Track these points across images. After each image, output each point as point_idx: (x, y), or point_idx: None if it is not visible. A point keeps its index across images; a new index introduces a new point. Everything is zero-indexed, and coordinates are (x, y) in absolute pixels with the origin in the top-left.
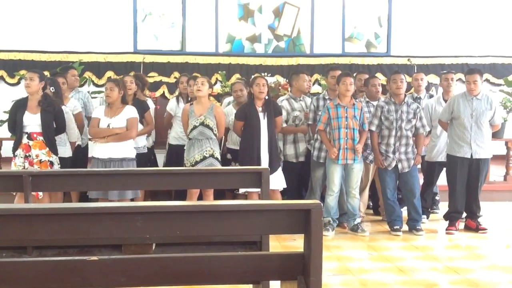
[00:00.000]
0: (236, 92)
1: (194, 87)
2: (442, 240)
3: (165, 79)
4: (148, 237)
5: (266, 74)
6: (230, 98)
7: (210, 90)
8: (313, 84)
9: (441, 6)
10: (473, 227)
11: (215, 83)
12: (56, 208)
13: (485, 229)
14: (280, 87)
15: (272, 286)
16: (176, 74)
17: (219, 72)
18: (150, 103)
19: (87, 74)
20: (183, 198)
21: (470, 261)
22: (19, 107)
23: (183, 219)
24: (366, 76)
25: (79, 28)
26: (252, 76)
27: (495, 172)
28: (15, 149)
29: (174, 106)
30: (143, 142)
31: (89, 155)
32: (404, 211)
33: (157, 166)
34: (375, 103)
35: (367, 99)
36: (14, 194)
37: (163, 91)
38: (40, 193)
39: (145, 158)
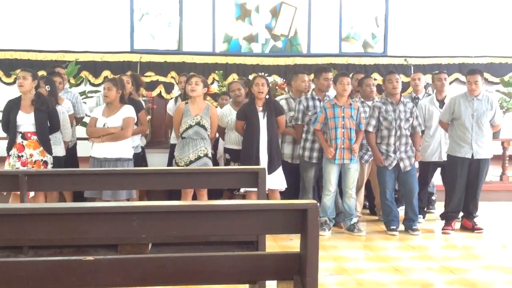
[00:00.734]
0: (234, 91)
1: (188, 87)
2: (438, 240)
3: (162, 78)
4: (144, 237)
5: (263, 73)
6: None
7: (205, 89)
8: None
9: (437, 6)
10: (469, 227)
11: (212, 82)
12: (52, 208)
13: (481, 229)
14: (277, 87)
15: (269, 286)
16: (173, 73)
17: (216, 71)
18: (143, 103)
19: (84, 74)
20: (178, 198)
21: (466, 261)
22: (13, 106)
23: (179, 219)
24: (362, 76)
25: (75, 27)
26: (252, 76)
27: (491, 172)
28: (9, 148)
29: (173, 106)
30: (137, 142)
31: (78, 154)
32: (400, 211)
33: (146, 165)
34: (369, 103)
35: (362, 99)
36: (5, 194)
37: (160, 91)
38: (32, 193)
39: (140, 158)
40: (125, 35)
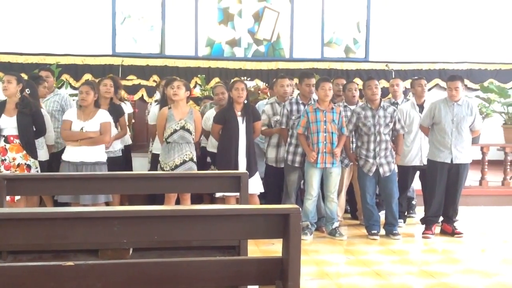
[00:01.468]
0: (218, 95)
1: (170, 91)
2: (418, 244)
3: (143, 82)
4: (125, 242)
5: (245, 78)
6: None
7: (187, 93)
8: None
9: (418, 13)
10: (449, 231)
11: (195, 86)
12: (31, 212)
13: (461, 234)
14: (259, 91)
15: None
16: (155, 77)
17: (199, 75)
18: (129, 106)
19: (65, 77)
20: (161, 203)
21: (446, 265)
22: None
23: (161, 223)
24: (343, 81)
25: (56, 30)
26: (231, 80)
27: (471, 177)
28: None
29: (153, 114)
30: (119, 146)
31: None
32: (381, 215)
33: (130, 169)
34: (353, 107)
35: (345, 104)
36: None
37: (142, 94)
38: (17, 196)
39: (121, 161)
40: (106, 38)
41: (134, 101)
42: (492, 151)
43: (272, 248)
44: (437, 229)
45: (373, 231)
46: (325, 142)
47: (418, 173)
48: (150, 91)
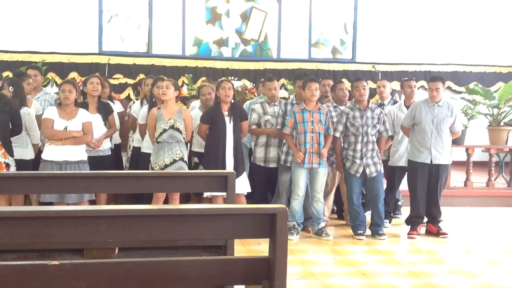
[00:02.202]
0: (205, 95)
1: (159, 90)
2: (404, 245)
3: (130, 81)
4: (111, 241)
5: (233, 78)
6: (197, 102)
7: (176, 92)
8: (280, 88)
9: (405, 15)
10: (434, 231)
11: (182, 86)
12: (16, 211)
13: (446, 234)
14: (246, 91)
15: None
16: (142, 76)
17: (186, 75)
18: (119, 105)
19: (50, 75)
20: (148, 202)
21: (431, 266)
22: None
23: (147, 223)
24: (330, 81)
25: (42, 28)
26: (219, 80)
27: (456, 178)
28: None
29: (138, 109)
30: (108, 145)
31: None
32: (367, 215)
33: (120, 167)
34: (342, 107)
35: (334, 104)
36: None
37: (128, 93)
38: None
39: (110, 160)
40: (93, 36)
41: (120, 100)
42: (477, 152)
43: (258, 248)
44: (422, 229)
45: (359, 231)
46: (312, 143)
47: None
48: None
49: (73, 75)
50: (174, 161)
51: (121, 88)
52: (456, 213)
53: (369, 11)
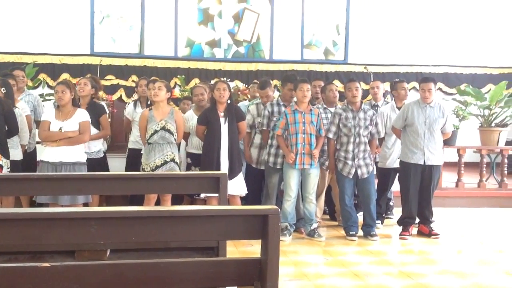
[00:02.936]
0: (197, 96)
1: (151, 92)
2: (395, 245)
3: (122, 82)
4: (103, 243)
5: (225, 79)
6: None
7: (168, 94)
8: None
9: (397, 16)
10: (426, 232)
11: (174, 87)
12: (7, 213)
13: (438, 235)
14: (239, 93)
15: None
16: (134, 77)
17: (178, 76)
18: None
19: (42, 76)
20: (140, 203)
21: (423, 266)
22: None
23: (138, 224)
24: (321, 82)
25: (33, 29)
26: (214, 81)
27: (447, 179)
28: None
29: (131, 110)
30: (99, 147)
31: (38, 158)
32: (360, 216)
33: (108, 170)
34: (332, 109)
35: (324, 106)
36: None
37: (120, 94)
38: None
39: (101, 162)
40: (85, 37)
41: (112, 101)
42: (468, 153)
43: (251, 249)
44: (414, 230)
45: (351, 232)
46: (303, 144)
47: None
48: (129, 91)
49: (64, 76)
50: (165, 162)
51: (113, 89)
52: (447, 213)
53: (361, 12)
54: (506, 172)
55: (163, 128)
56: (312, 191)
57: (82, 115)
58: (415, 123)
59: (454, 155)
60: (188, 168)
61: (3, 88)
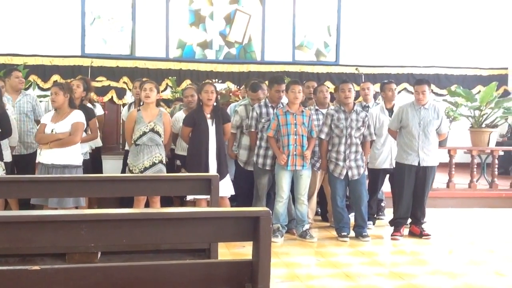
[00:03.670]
0: (187, 97)
1: (142, 93)
2: (387, 246)
3: (113, 83)
4: (93, 246)
5: (217, 80)
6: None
7: (158, 95)
8: None
9: (388, 17)
10: (417, 233)
11: (165, 88)
12: None
13: (429, 235)
14: (231, 94)
15: None
16: (125, 78)
17: (170, 77)
18: (99, 108)
19: (32, 78)
20: (130, 205)
21: (414, 267)
22: None
23: (129, 227)
24: (315, 83)
25: (24, 30)
26: (202, 83)
27: (438, 179)
28: None
29: (126, 113)
30: (86, 148)
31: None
32: (351, 217)
33: (95, 172)
34: (324, 110)
35: (316, 107)
36: None
37: (112, 96)
38: None
39: (87, 164)
40: (76, 38)
41: (104, 102)
42: (459, 154)
43: (243, 250)
44: (405, 230)
45: (343, 233)
46: (295, 145)
47: (387, 175)
48: (120, 93)
49: (55, 77)
50: (154, 164)
51: (104, 91)
52: (438, 214)
53: (353, 14)
54: (496, 172)
55: (152, 130)
56: (304, 192)
57: (76, 116)
58: (409, 124)
59: (445, 156)
60: (177, 170)
61: None
